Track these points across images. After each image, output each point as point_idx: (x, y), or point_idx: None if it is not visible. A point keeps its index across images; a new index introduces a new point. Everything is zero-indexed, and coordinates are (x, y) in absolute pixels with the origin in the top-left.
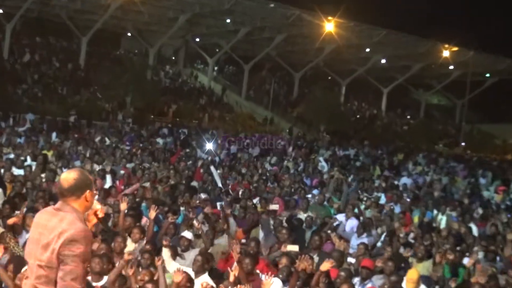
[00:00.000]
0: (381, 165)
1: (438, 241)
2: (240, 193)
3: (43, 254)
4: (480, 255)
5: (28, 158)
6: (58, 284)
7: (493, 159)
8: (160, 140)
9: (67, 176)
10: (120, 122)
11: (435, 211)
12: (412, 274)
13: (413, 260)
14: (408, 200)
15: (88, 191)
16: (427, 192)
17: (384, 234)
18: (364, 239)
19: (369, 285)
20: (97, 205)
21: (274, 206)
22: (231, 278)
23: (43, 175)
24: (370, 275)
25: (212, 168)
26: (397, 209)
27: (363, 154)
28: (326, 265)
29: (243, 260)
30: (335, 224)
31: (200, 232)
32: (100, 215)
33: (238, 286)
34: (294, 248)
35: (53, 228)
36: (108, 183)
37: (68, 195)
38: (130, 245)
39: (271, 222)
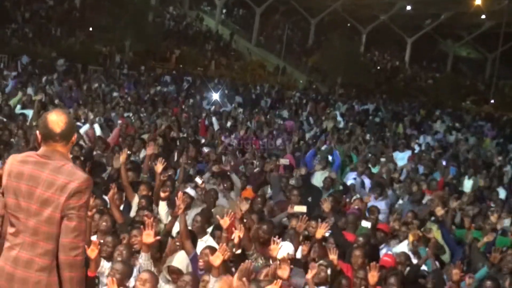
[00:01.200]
0: (403, 122)
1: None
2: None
3: (43, 211)
4: (507, 222)
5: (18, 105)
6: (61, 252)
7: None
8: (161, 89)
9: (57, 119)
10: (118, 67)
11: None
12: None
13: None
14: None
15: (74, 135)
16: (452, 153)
17: (406, 197)
18: (381, 203)
19: (384, 250)
20: None
21: (283, 161)
22: (236, 240)
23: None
24: (385, 239)
25: (214, 120)
26: (421, 170)
27: (383, 109)
28: (320, 232)
29: (260, 226)
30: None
31: (202, 191)
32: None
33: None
34: (302, 209)
35: (50, 181)
36: (97, 133)
37: (59, 140)
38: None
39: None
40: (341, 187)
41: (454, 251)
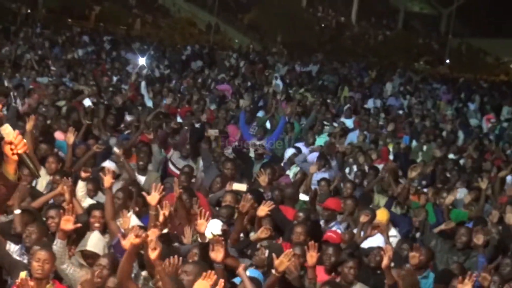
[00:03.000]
0: (350, 85)
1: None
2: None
3: None
4: (462, 193)
5: None
6: None
7: (483, 80)
8: (79, 50)
9: None
10: (30, 26)
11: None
12: (380, 215)
13: (379, 198)
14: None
15: None
16: (404, 118)
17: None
18: (324, 174)
19: (335, 228)
20: (7, 129)
21: (212, 132)
22: (161, 218)
23: None
24: (333, 217)
25: (143, 84)
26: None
27: (328, 71)
28: (263, 209)
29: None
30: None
31: (122, 162)
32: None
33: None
34: (242, 187)
35: None
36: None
37: None
38: (44, 178)
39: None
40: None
41: (399, 224)
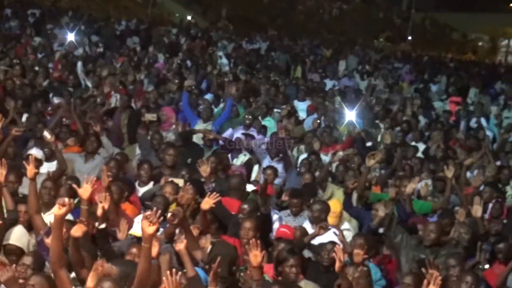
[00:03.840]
0: (303, 64)
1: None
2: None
3: None
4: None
5: None
6: None
7: (449, 59)
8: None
9: None
10: None
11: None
12: (334, 207)
13: (333, 188)
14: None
15: None
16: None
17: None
18: (278, 165)
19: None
20: None
21: (149, 116)
22: (99, 212)
23: None
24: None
25: (79, 65)
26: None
27: (278, 49)
28: (207, 202)
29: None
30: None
31: (53, 148)
32: None
33: None
34: (179, 181)
35: None
36: None
37: None
38: None
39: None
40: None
41: (364, 218)
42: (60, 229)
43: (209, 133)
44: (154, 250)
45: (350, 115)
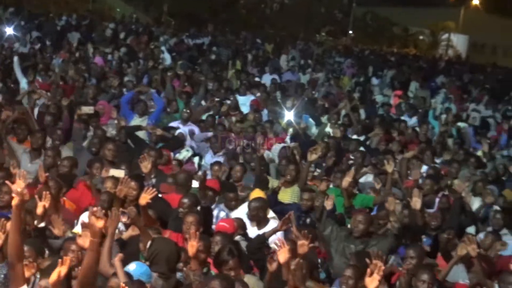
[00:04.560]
0: (244, 59)
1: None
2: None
3: None
4: (368, 177)
5: None
6: None
7: (390, 53)
8: None
9: None
10: None
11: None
12: (254, 194)
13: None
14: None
15: None
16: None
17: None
18: (221, 158)
19: (216, 211)
20: None
21: (86, 109)
22: (39, 210)
23: None
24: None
25: (15, 60)
26: (265, 116)
27: (220, 43)
28: (144, 197)
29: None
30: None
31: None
32: None
33: None
34: (119, 173)
35: None
36: None
37: None
38: None
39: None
40: None
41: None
42: (17, 220)
43: (155, 129)
44: (87, 242)
45: (289, 114)
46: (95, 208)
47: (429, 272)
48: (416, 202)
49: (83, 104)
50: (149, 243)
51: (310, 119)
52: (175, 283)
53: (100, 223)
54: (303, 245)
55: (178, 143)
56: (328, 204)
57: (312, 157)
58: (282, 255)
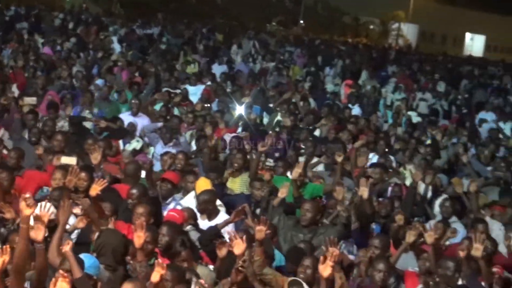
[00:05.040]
0: (194, 48)
1: None
2: None
3: None
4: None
5: None
6: None
7: (341, 42)
8: None
9: None
10: None
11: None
12: (200, 184)
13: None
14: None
15: None
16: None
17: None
18: (172, 150)
19: (172, 205)
20: None
21: (29, 100)
22: None
23: None
24: (172, 192)
25: None
26: (214, 107)
27: (170, 33)
28: (94, 188)
29: None
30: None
31: None
32: None
33: None
34: (71, 161)
35: None
36: None
37: None
38: None
39: None
40: None
41: (235, 203)
42: None
43: (99, 122)
44: (40, 234)
45: (240, 105)
46: (27, 195)
47: (385, 261)
48: (363, 191)
49: (31, 95)
50: (96, 234)
51: (260, 110)
52: (122, 276)
53: (27, 211)
54: (261, 230)
55: (123, 132)
56: (283, 192)
57: (262, 148)
58: (238, 247)
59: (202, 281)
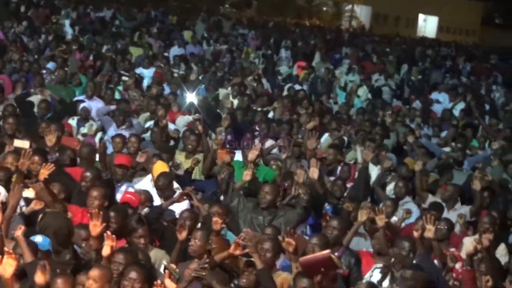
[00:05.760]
0: (148, 32)
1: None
2: None
3: None
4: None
5: None
6: None
7: (294, 24)
8: None
9: None
10: None
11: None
12: (157, 167)
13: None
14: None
15: None
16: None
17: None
18: (125, 132)
19: (124, 187)
20: None
21: None
22: None
23: None
24: (125, 175)
25: None
26: (167, 90)
27: (123, 16)
28: (43, 173)
29: None
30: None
31: None
32: None
33: None
34: (24, 144)
35: None
36: None
37: None
38: None
39: None
40: None
41: (204, 188)
42: None
43: (43, 91)
44: None
45: (192, 87)
46: None
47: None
48: (313, 172)
49: None
50: (40, 216)
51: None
52: (70, 258)
53: None
54: (217, 222)
55: (66, 111)
56: (248, 175)
57: (220, 129)
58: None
59: (173, 265)
